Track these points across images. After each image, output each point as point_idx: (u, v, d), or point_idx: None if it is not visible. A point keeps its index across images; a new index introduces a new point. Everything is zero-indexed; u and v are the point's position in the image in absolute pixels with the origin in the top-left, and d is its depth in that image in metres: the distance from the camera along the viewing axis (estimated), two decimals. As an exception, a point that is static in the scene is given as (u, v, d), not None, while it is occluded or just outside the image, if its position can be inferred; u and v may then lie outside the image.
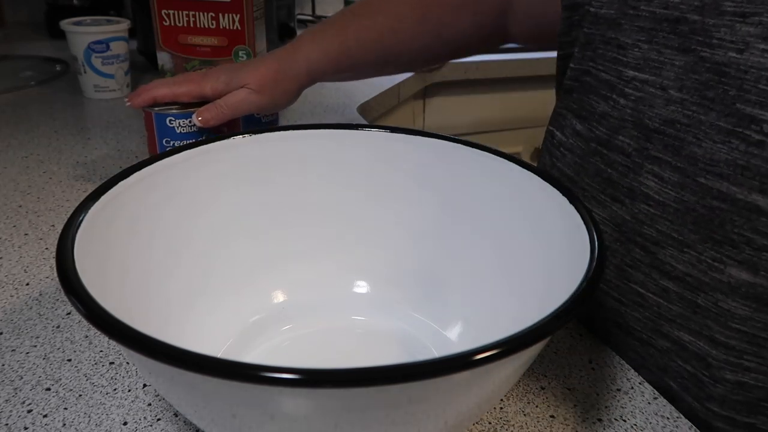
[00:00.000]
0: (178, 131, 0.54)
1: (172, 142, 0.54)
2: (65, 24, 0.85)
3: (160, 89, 0.54)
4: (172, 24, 0.72)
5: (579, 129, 0.41)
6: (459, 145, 0.39)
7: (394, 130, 0.41)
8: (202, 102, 0.54)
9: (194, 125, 0.53)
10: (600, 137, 0.39)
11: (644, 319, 0.38)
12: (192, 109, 0.54)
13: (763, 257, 0.31)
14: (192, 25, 0.72)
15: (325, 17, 1.51)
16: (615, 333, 0.41)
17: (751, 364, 0.33)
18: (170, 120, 0.53)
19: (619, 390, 0.38)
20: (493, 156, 0.38)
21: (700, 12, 0.33)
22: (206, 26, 0.71)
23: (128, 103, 0.54)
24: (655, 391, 0.38)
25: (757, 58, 0.30)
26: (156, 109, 0.53)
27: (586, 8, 0.40)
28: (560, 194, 0.33)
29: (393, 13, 0.55)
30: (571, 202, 0.32)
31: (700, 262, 0.34)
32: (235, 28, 0.71)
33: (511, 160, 0.37)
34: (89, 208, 0.30)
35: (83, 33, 0.84)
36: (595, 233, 0.29)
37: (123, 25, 0.87)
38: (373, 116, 0.98)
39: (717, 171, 0.32)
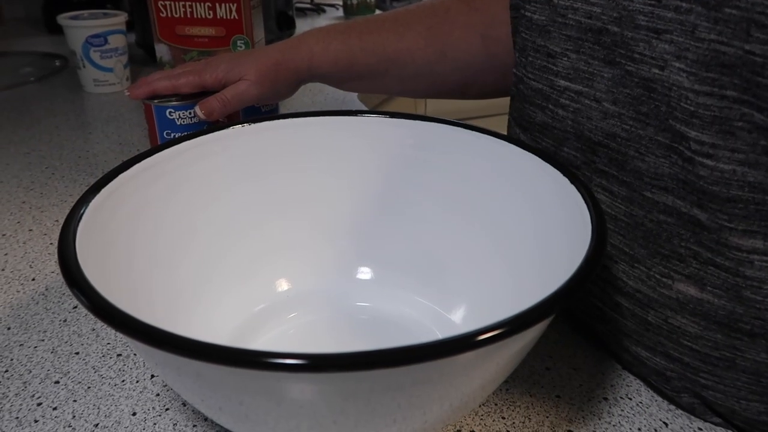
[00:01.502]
0: (179, 123, 0.54)
1: (172, 134, 0.54)
2: (62, 18, 0.85)
3: (160, 81, 0.53)
4: (169, 15, 0.71)
5: (523, 139, 0.41)
6: (458, 128, 0.39)
7: (392, 115, 0.41)
8: (202, 93, 0.54)
9: (195, 116, 0.53)
10: (548, 149, 0.38)
11: (606, 333, 0.38)
12: (192, 101, 0.53)
13: (709, 271, 0.31)
14: (189, 15, 0.71)
15: (323, 5, 1.50)
16: (591, 341, 0.41)
17: (708, 383, 0.33)
18: (170, 112, 0.53)
19: (624, 369, 0.38)
20: (493, 138, 0.37)
21: (618, 24, 0.32)
22: (203, 16, 0.71)
23: (128, 94, 0.54)
24: (661, 369, 0.38)
25: (676, 77, 0.29)
26: (156, 101, 0.53)
27: (521, 12, 0.39)
28: (561, 174, 0.33)
29: (401, 22, 0.54)
30: (571, 182, 0.32)
31: (649, 278, 0.33)
32: (232, 17, 0.71)
33: (511, 142, 0.37)
34: (90, 202, 0.30)
35: (81, 27, 0.84)
36: (595, 213, 0.29)
37: (120, 18, 0.87)
38: (374, 103, 0.98)
39: (662, 185, 0.32)
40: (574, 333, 0.41)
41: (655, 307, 0.34)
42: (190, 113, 0.53)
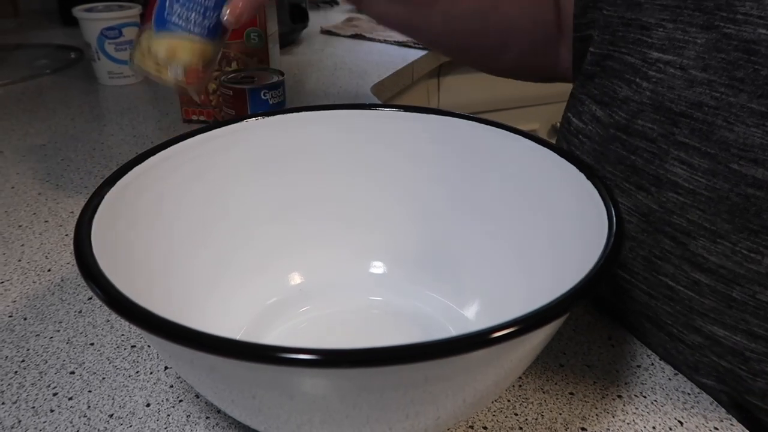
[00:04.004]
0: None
1: None
2: (77, 11, 0.85)
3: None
4: (183, 8, 0.71)
5: (599, 115, 0.40)
6: (473, 122, 0.39)
7: (407, 109, 0.40)
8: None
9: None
10: (619, 122, 0.37)
11: (675, 313, 0.36)
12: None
13: None
14: (203, 8, 0.71)
15: (336, -3, 1.49)
16: (646, 327, 0.39)
17: None
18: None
19: (639, 366, 0.38)
20: (508, 133, 0.37)
21: None
22: (217, 9, 0.71)
23: (229, 19, 0.45)
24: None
25: None
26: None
27: None
28: (577, 170, 0.32)
29: None
30: (588, 178, 0.32)
31: (734, 253, 0.32)
32: (246, 10, 0.71)
33: (526, 137, 0.36)
34: (105, 194, 0.30)
35: (95, 19, 0.84)
36: (612, 209, 0.29)
37: (135, 11, 0.87)
38: (387, 96, 0.98)
39: (751, 156, 0.30)
40: (590, 328, 0.41)
41: (742, 283, 0.32)
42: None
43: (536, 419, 0.34)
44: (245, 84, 0.57)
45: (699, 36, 0.32)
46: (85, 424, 0.34)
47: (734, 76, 0.31)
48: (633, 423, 0.34)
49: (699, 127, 0.32)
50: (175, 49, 0.42)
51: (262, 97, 0.54)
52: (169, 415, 0.34)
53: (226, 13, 0.44)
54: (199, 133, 0.37)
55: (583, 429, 0.33)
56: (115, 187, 0.31)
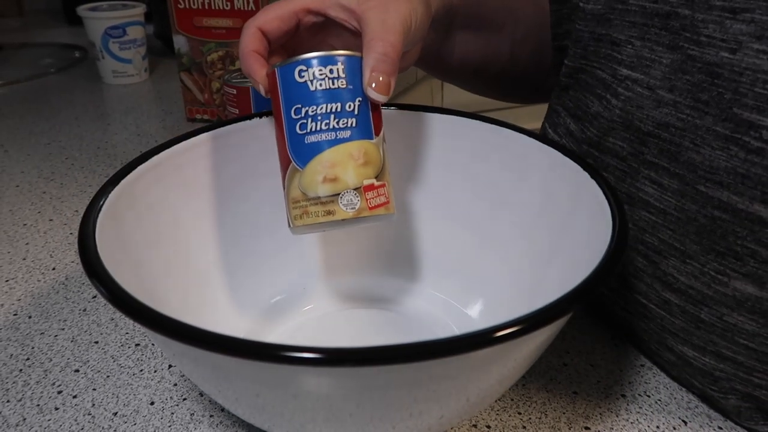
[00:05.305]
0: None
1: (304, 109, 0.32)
2: (82, 10, 0.85)
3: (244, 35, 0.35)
4: (187, 7, 0.71)
5: (572, 129, 0.39)
6: (478, 121, 0.39)
7: (412, 108, 0.40)
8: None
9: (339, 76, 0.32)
10: (591, 138, 0.37)
11: (649, 331, 0.37)
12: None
13: None
14: (206, 7, 0.71)
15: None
16: (629, 341, 0.40)
17: (762, 382, 0.31)
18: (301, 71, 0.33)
19: (642, 366, 0.38)
20: (513, 132, 0.37)
21: (689, 6, 0.30)
22: (221, 8, 0.71)
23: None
24: (680, 367, 0.38)
25: (752, 59, 0.28)
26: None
27: (574, 2, 0.38)
28: (581, 169, 0.32)
29: None
30: (591, 177, 0.32)
31: (702, 275, 0.32)
32: (249, 9, 0.71)
33: (530, 136, 0.36)
34: (109, 193, 0.30)
35: (100, 18, 0.84)
36: (616, 209, 0.29)
37: (139, 10, 0.87)
38: (391, 95, 0.98)
39: (717, 179, 0.30)
40: (593, 327, 0.41)
41: (710, 305, 0.32)
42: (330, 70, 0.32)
43: (540, 418, 0.34)
44: (249, 83, 0.57)
45: (665, 56, 0.32)
46: (89, 422, 0.34)
47: (699, 99, 0.30)
48: (637, 422, 0.34)
49: (667, 147, 0.32)
50: (333, 171, 0.31)
51: (266, 95, 0.52)
52: (173, 413, 0.34)
53: (369, 87, 0.32)
54: (203, 132, 0.37)
55: (586, 428, 0.33)
56: (119, 186, 0.31)
